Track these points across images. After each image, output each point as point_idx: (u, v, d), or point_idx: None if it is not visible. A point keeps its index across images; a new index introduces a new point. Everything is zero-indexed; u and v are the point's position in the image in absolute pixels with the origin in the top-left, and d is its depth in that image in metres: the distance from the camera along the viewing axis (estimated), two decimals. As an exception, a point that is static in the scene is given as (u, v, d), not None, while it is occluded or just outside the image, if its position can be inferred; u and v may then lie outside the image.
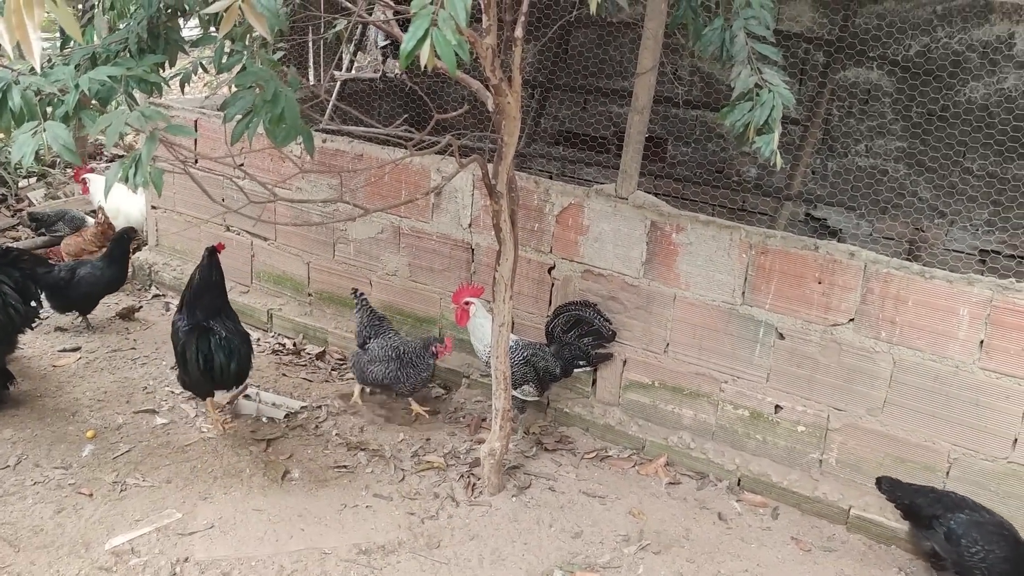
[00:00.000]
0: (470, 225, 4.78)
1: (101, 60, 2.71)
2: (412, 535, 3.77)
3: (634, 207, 4.25)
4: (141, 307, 5.83)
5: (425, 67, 2.06)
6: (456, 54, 1.97)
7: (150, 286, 6.11)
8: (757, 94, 2.59)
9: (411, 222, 4.98)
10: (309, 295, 5.53)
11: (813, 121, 5.58)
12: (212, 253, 4.55)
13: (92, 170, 6.59)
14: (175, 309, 4.69)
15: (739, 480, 4.20)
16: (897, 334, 3.77)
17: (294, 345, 5.45)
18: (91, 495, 3.90)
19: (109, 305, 5.82)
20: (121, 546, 3.58)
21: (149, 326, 5.62)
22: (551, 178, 5.99)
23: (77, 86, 2.27)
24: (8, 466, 4.06)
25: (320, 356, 5.31)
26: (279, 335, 5.57)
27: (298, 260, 5.50)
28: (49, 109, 2.31)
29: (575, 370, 4.49)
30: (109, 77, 2.32)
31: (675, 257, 4.20)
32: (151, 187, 6.01)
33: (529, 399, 4.42)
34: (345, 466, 4.24)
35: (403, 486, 4.11)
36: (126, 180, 2.16)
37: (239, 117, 2.61)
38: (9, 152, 7.25)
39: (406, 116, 4.30)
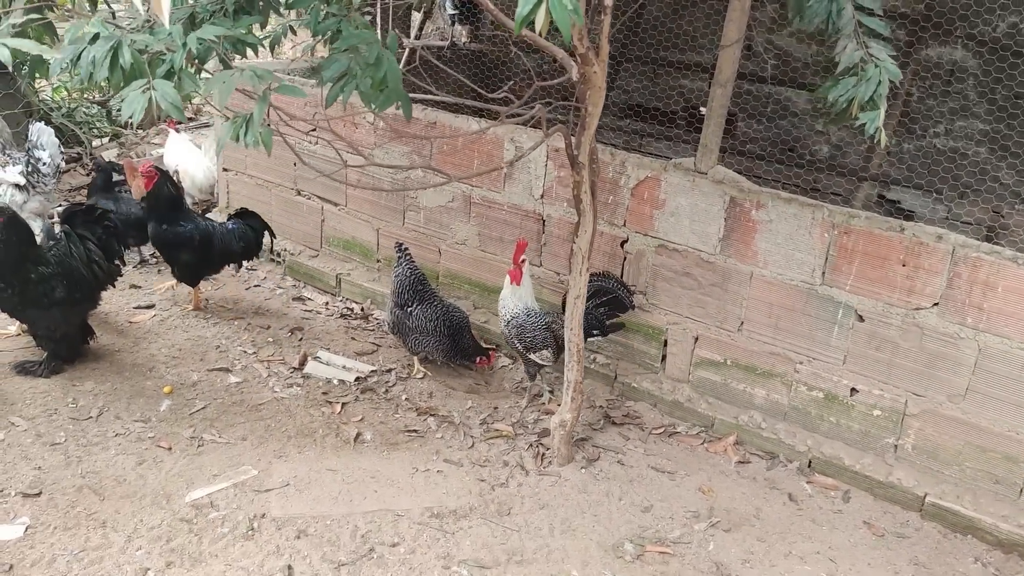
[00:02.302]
0: (542, 196, 4.76)
1: (199, 20, 2.73)
2: (483, 501, 3.80)
3: (713, 182, 4.19)
4: (212, 268, 5.92)
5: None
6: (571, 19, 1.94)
7: (220, 247, 6.20)
8: (863, 68, 2.52)
9: (482, 191, 4.97)
10: (378, 261, 5.57)
11: (894, 101, 5.43)
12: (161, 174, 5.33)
13: (178, 130, 6.66)
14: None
15: (810, 462, 4.16)
16: (984, 320, 3.68)
17: (362, 310, 5.50)
18: (170, 448, 4.00)
19: (181, 265, 5.93)
20: (200, 499, 3.68)
21: (220, 286, 5.72)
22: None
23: (185, 44, 2.29)
24: (91, 417, 4.18)
25: (387, 322, 5.36)
26: (347, 299, 5.62)
27: (368, 226, 5.54)
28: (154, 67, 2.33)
29: (587, 339, 4.45)
30: (215, 37, 2.34)
31: (754, 234, 4.14)
32: (222, 151, 6.05)
33: (545, 364, 4.42)
34: (415, 431, 4.28)
35: (473, 453, 4.14)
36: (236, 139, 2.18)
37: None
38: (84, 111, 7.42)
39: (512, 83, 4.24)
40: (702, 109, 6.78)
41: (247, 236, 5.29)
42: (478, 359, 4.70)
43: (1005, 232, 5.67)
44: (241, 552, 3.40)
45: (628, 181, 4.43)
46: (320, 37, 2.89)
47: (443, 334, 4.57)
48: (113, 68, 2.22)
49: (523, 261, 4.37)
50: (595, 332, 4.45)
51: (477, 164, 4.89)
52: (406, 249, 4.78)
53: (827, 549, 3.69)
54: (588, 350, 4.58)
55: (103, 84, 2.32)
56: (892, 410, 3.98)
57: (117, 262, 4.63)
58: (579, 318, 3.87)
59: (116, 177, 6.08)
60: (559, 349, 4.36)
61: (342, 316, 5.46)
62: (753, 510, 3.90)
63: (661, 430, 4.43)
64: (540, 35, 2.01)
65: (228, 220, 5.34)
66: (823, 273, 4.01)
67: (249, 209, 5.49)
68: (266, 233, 5.38)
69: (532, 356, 4.36)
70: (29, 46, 2.16)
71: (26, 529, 3.43)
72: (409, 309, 4.67)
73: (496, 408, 4.53)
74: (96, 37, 2.21)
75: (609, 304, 4.43)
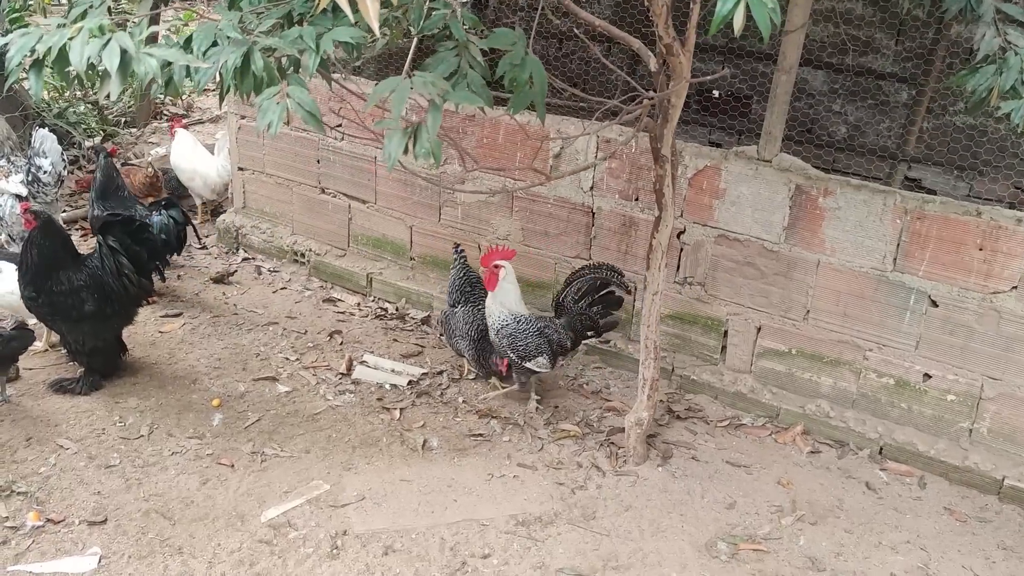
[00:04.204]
0: (592, 188, 4.65)
1: (296, 19, 2.56)
2: (566, 506, 3.71)
3: (778, 170, 4.12)
4: (235, 271, 5.72)
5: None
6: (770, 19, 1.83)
7: (238, 249, 5.99)
8: (1002, 57, 2.45)
9: (526, 184, 4.83)
10: (411, 259, 5.41)
11: (928, 77, 5.40)
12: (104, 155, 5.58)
13: (185, 126, 6.41)
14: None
15: (881, 449, 4.13)
16: (1065, 302, 3.67)
17: (396, 309, 5.35)
18: (232, 466, 3.84)
19: (201, 269, 5.72)
20: (277, 519, 3.53)
21: (246, 290, 5.52)
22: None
23: (318, 47, 2.13)
24: (142, 436, 4.00)
25: (426, 321, 5.22)
26: (379, 299, 5.45)
27: (400, 224, 5.37)
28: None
29: (582, 343, 4.39)
30: (351, 39, 2.18)
31: (821, 222, 4.08)
32: (236, 150, 5.81)
33: (541, 370, 4.28)
34: (481, 434, 4.17)
35: (544, 455, 4.04)
36: (405, 151, 2.03)
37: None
38: (75, 111, 7.11)
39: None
40: (716, 92, 6.74)
41: (168, 229, 5.05)
42: (496, 358, 4.39)
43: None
44: (330, 573, 3.27)
45: (685, 171, 4.33)
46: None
47: (472, 339, 4.42)
48: (244, 75, 2.05)
49: (497, 267, 4.22)
50: (590, 333, 4.33)
51: (520, 156, 4.76)
52: (462, 251, 4.61)
53: (916, 538, 3.66)
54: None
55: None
56: (967, 394, 3.97)
57: (154, 276, 4.42)
58: (656, 316, 3.78)
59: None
60: (555, 354, 4.24)
61: (377, 317, 5.29)
62: (835, 501, 3.86)
63: (726, 422, 4.37)
64: (736, 34, 1.89)
65: (153, 212, 5.13)
66: (894, 259, 3.96)
67: (172, 199, 5.33)
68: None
69: (528, 364, 4.22)
70: (177, 56, 1.98)
71: (100, 560, 3.27)
72: (455, 309, 4.53)
73: (556, 407, 4.43)
74: (216, 42, 2.04)
75: (603, 302, 4.30)
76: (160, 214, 5.09)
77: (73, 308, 4.17)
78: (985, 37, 2.48)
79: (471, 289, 4.56)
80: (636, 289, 4.65)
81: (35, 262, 4.13)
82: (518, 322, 4.20)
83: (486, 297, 4.56)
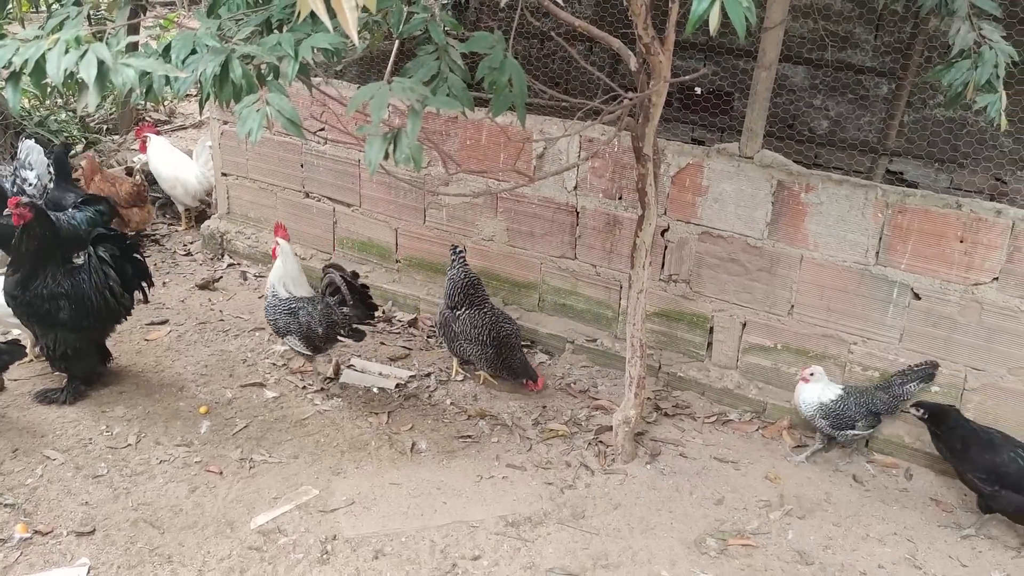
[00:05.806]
0: (575, 187, 4.66)
1: (275, 25, 2.56)
2: (555, 505, 3.72)
3: (760, 166, 4.14)
4: (220, 278, 5.69)
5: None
6: (746, 18, 1.85)
7: (223, 255, 5.97)
8: (976, 51, 2.47)
9: (510, 185, 4.84)
10: (397, 262, 5.41)
11: (907, 71, 5.44)
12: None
13: (158, 132, 6.38)
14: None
15: (867, 442, 4.16)
16: (1045, 292, 3.71)
17: (383, 312, 5.33)
18: (220, 473, 3.83)
19: (186, 275, 5.70)
20: (266, 525, 3.53)
21: (231, 296, 5.50)
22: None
23: (297, 54, 2.13)
24: (129, 444, 3.98)
25: (412, 323, 5.21)
26: (366, 303, 5.45)
27: (385, 226, 5.37)
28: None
29: (340, 337, 4.40)
30: (329, 45, 2.18)
31: (803, 217, 4.10)
32: (219, 155, 5.79)
33: (299, 351, 4.41)
34: (469, 436, 4.17)
35: (532, 455, 4.05)
36: (386, 156, 2.04)
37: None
38: (56, 120, 7.07)
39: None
40: (698, 89, 6.76)
41: (97, 224, 5.09)
42: (525, 381, 4.46)
43: (1005, 199, 5.75)
44: (320, 578, 3.27)
45: (668, 169, 4.35)
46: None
47: (487, 344, 4.41)
48: (224, 83, 2.04)
49: (277, 243, 4.43)
50: (341, 332, 4.32)
51: (503, 157, 4.77)
52: (461, 252, 4.60)
53: (903, 529, 3.69)
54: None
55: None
56: (951, 385, 4.00)
57: (137, 294, 4.39)
58: (641, 314, 3.79)
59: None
60: (308, 338, 4.30)
61: (364, 320, 5.28)
62: (822, 495, 3.89)
63: (713, 418, 4.39)
64: (713, 33, 1.90)
65: (74, 208, 5.22)
66: (877, 253, 3.99)
67: (94, 196, 5.39)
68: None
69: (283, 339, 4.45)
70: (155, 66, 1.98)
71: (88, 571, 3.26)
72: (458, 312, 4.51)
73: (544, 407, 4.43)
74: (195, 50, 2.03)
75: (360, 306, 4.30)
76: (82, 210, 5.15)
77: (48, 313, 4.13)
78: (960, 32, 2.50)
79: (475, 291, 4.53)
80: (622, 287, 4.68)
81: (30, 252, 4.08)
82: (273, 296, 4.41)
83: (487, 301, 4.55)
